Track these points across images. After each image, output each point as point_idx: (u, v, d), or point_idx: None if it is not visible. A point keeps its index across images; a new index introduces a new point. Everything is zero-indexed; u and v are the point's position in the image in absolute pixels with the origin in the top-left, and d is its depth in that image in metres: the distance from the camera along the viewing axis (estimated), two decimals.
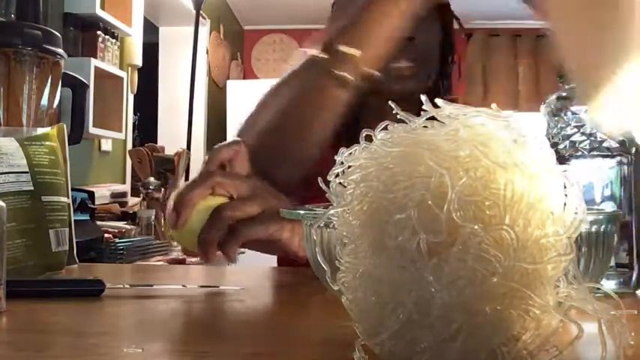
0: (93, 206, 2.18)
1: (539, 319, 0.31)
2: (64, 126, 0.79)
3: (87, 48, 2.65)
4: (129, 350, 0.39)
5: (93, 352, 0.40)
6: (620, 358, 0.30)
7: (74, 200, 0.76)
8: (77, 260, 0.76)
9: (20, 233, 0.67)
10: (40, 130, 0.77)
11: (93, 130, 2.60)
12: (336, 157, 0.37)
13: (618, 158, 0.60)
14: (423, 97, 0.34)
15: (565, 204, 0.32)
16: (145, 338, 0.43)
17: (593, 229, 0.47)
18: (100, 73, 2.65)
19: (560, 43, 0.42)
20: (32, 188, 0.69)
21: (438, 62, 1.05)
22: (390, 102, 0.37)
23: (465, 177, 0.31)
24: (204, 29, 4.17)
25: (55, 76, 0.91)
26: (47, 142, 0.74)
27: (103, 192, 2.43)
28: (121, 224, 2.42)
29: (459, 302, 0.30)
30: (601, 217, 0.49)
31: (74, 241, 0.76)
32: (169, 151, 3.26)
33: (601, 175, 0.60)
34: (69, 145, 0.78)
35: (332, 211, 0.37)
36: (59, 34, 0.92)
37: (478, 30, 5.29)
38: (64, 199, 0.73)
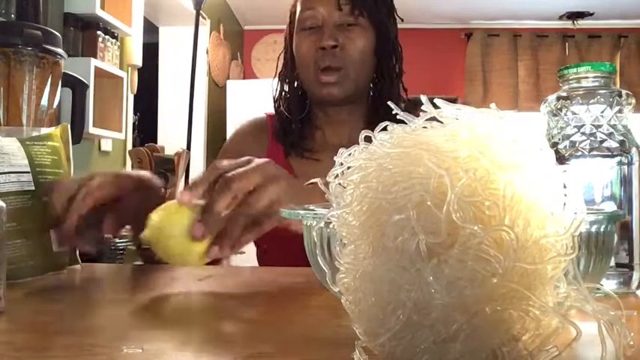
0: None
1: (539, 320, 0.31)
2: (68, 126, 0.79)
3: (87, 48, 2.65)
4: (129, 350, 0.39)
5: (92, 352, 0.40)
6: (620, 358, 0.30)
7: None
8: (80, 260, 0.76)
9: (21, 233, 0.66)
10: (43, 130, 0.77)
11: (93, 130, 2.60)
12: (335, 158, 0.37)
13: (618, 158, 0.60)
14: (424, 98, 0.34)
15: (565, 204, 0.32)
16: (145, 338, 0.43)
17: (593, 229, 0.47)
18: (100, 73, 2.65)
19: None
20: (34, 188, 0.69)
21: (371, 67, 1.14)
22: (389, 102, 0.37)
23: (465, 178, 0.31)
24: (204, 29, 4.17)
25: (55, 76, 0.91)
26: (50, 142, 0.74)
27: None
28: None
29: (458, 303, 0.30)
30: (601, 217, 0.49)
31: None
32: (169, 151, 3.25)
33: (601, 175, 0.60)
34: None
35: (332, 212, 0.37)
36: (59, 34, 0.92)
37: (478, 30, 5.29)
38: None
